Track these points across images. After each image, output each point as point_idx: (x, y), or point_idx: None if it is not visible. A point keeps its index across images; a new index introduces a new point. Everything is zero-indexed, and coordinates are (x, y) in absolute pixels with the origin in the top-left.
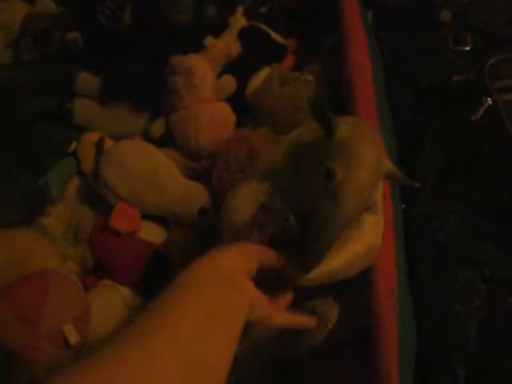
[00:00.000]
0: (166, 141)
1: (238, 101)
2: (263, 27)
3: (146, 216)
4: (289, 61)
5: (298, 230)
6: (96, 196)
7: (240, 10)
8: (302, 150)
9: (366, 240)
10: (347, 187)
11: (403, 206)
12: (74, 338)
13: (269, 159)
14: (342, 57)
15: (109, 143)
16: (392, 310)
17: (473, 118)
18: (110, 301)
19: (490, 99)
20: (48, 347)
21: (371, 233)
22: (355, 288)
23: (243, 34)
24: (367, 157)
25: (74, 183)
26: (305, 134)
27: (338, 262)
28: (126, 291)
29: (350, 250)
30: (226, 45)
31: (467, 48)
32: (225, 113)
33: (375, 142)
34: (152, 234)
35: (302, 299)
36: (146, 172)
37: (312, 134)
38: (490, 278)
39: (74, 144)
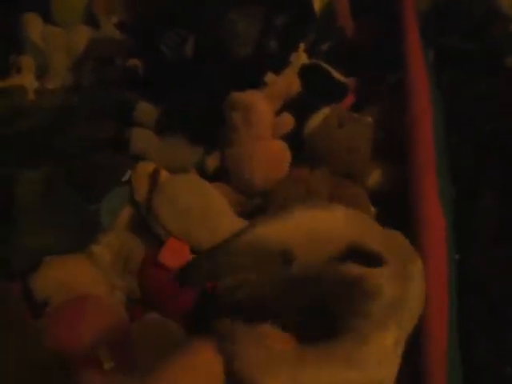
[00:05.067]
0: (219, 175)
1: (294, 140)
2: (324, 65)
3: (197, 252)
4: (348, 100)
5: None
6: (148, 227)
7: (302, 46)
8: None
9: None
10: None
11: (457, 256)
12: (108, 363)
13: None
14: (402, 103)
15: (164, 174)
16: (441, 371)
17: None
18: (155, 333)
19: None
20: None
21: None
22: None
23: (304, 72)
24: None
25: (127, 212)
26: None
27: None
28: (172, 326)
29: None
30: (287, 82)
31: None
32: (281, 151)
33: None
34: None
35: None
36: (199, 209)
37: None
38: None
39: (129, 173)
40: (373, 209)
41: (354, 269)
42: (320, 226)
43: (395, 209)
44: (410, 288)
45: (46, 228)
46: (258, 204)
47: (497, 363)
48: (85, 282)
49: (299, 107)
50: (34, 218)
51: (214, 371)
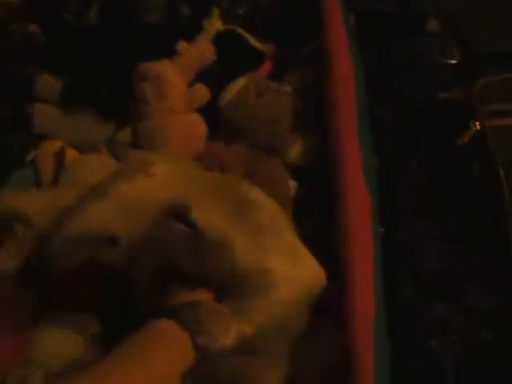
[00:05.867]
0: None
1: (210, 112)
2: (241, 31)
3: None
4: (266, 67)
5: None
6: None
7: (216, 12)
8: None
9: (276, 297)
10: None
11: (382, 230)
12: None
13: None
14: (323, 68)
15: (70, 153)
16: (369, 348)
17: (458, 142)
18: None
19: (477, 123)
20: None
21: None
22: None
23: (219, 39)
24: None
25: None
26: None
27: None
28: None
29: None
30: (200, 51)
31: (454, 61)
32: (196, 125)
33: None
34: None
35: None
36: None
37: None
38: (469, 312)
39: (33, 153)
40: (294, 183)
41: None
42: (136, 196)
43: (318, 182)
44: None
45: None
46: None
47: (422, 337)
48: None
49: (214, 77)
50: None
51: (185, 346)
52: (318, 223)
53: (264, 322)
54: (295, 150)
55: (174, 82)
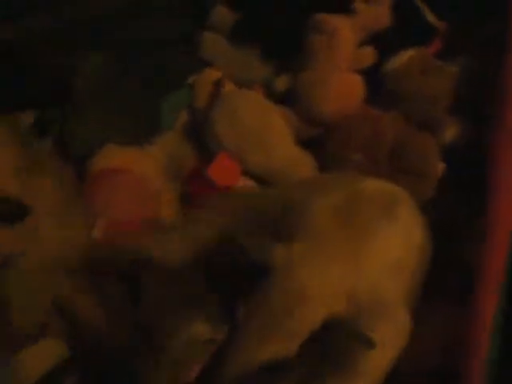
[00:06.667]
0: (286, 98)
1: (371, 76)
2: (419, 3)
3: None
4: (436, 45)
5: None
6: (202, 136)
7: None
8: None
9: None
10: None
11: None
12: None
13: None
14: (499, 56)
15: (228, 86)
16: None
17: None
18: None
19: None
20: None
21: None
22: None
23: (396, 6)
24: None
25: (184, 116)
26: None
27: None
28: None
29: None
30: (376, 14)
31: None
32: (356, 85)
33: None
34: None
35: None
36: (257, 130)
37: None
38: None
39: (193, 77)
40: (442, 164)
41: None
42: None
43: (466, 168)
44: None
45: (110, 117)
46: (317, 135)
47: None
48: (139, 173)
49: (383, 43)
50: (98, 104)
51: None
52: (455, 209)
53: None
54: (450, 132)
55: (346, 39)
